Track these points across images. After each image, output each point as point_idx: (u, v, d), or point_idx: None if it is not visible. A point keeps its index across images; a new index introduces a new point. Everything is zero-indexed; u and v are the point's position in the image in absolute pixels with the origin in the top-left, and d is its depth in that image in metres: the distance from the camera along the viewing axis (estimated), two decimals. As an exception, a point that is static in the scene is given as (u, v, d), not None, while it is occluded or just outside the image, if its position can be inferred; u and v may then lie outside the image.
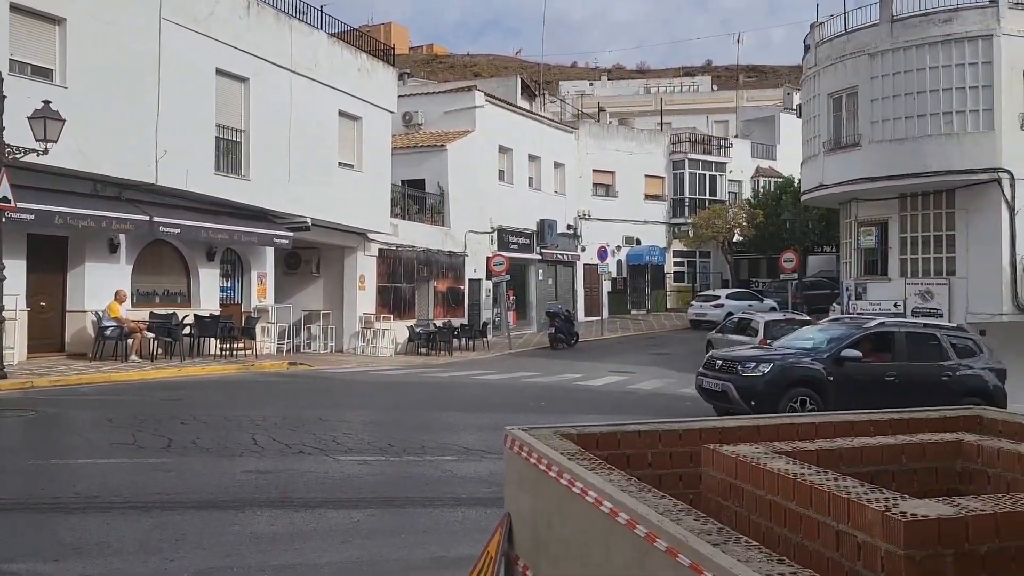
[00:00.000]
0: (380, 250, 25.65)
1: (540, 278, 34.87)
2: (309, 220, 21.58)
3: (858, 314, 22.89)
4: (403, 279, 27.01)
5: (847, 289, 25.79)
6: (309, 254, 24.96)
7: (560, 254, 35.93)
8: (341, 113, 23.39)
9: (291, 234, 21.35)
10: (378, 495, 7.40)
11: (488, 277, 29.54)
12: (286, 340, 22.69)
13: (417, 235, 27.54)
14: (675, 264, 43.74)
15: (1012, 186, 21.84)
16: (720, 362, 13.75)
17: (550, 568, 4.24)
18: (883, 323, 14.58)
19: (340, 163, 23.36)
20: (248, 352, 20.49)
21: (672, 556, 2.88)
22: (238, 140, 20.14)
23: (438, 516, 6.87)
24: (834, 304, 29.13)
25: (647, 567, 3.12)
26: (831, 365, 12.95)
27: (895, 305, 23.43)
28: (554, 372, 21.14)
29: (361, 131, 24.16)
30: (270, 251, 22.12)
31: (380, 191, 24.81)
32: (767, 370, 12.86)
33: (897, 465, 4.59)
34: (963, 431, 5.30)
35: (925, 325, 15.37)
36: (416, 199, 28.56)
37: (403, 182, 27.85)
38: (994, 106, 22.06)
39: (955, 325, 16.75)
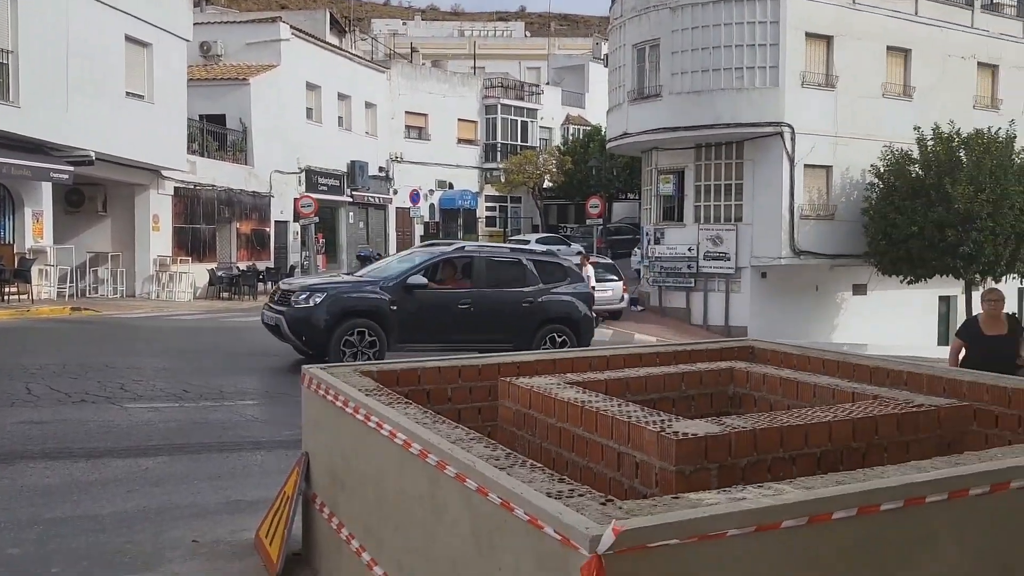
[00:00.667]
0: (176, 189, 24.09)
1: (351, 221, 34.19)
2: (92, 154, 19.83)
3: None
4: (202, 220, 25.56)
5: (647, 234, 27.19)
6: (94, 191, 22.99)
7: (372, 197, 35.35)
8: (128, 38, 21.51)
9: (71, 169, 19.54)
10: (170, 442, 7.04)
11: (296, 219, 28.60)
12: (68, 284, 20.93)
13: (218, 174, 26.09)
14: (487, 209, 44.24)
15: (793, 139, 23.74)
16: (280, 293, 12.46)
17: (346, 503, 4.22)
18: (462, 248, 13.58)
19: (128, 93, 21.56)
20: (23, 297, 18.75)
21: (461, 481, 2.93)
22: (4, 62, 18.06)
23: (236, 461, 6.65)
24: (635, 248, 30.70)
25: (438, 494, 3.16)
26: (397, 293, 11.87)
27: (689, 249, 25.00)
28: (364, 315, 20.88)
29: (152, 59, 22.36)
30: (47, 187, 20.17)
31: (174, 125, 23.19)
32: (319, 300, 11.60)
33: (677, 392, 4.92)
34: (737, 360, 5.76)
35: (512, 250, 14.37)
36: (216, 136, 26.97)
37: (201, 117, 26.20)
38: (779, 64, 23.75)
39: (544, 249, 16.28)
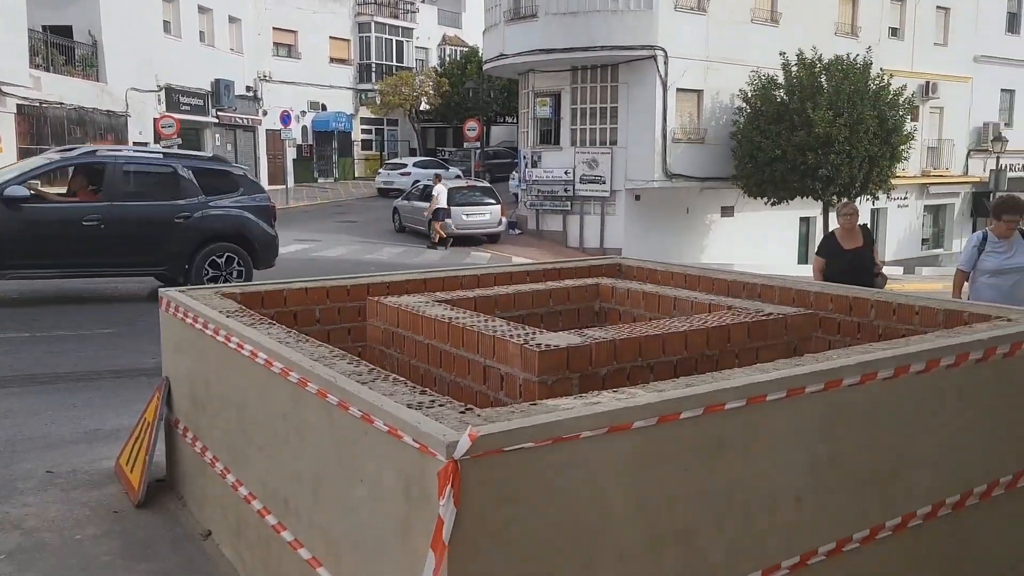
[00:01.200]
0: (19, 107, 22.27)
1: (218, 143, 32.65)
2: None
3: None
4: (52, 141, 23.78)
5: (524, 158, 27.23)
6: (-75, 109, 20.98)
7: (239, 118, 33.78)
8: (-45, -63, 19.45)
9: None
10: (19, 374, 6.67)
11: (156, 141, 27.05)
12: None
13: (66, 91, 24.23)
14: (363, 132, 43.16)
15: (666, 63, 24.08)
16: None
17: (210, 426, 4.12)
18: (94, 152, 11.41)
19: (-41, -1, 19.59)
20: None
21: (322, 397, 2.90)
22: None
23: (93, 391, 6.37)
24: (513, 172, 30.74)
25: (301, 411, 3.12)
26: None
27: (565, 173, 25.23)
28: (235, 241, 20.21)
29: (-16, -38, 20.32)
30: None
31: (13, 36, 21.27)
32: None
33: (545, 308, 5.01)
34: (605, 277, 5.90)
35: (166, 156, 12.31)
36: (62, 49, 24.95)
37: (45, 28, 24.14)
38: (652, -13, 23.90)
39: (211, 155, 13.99)
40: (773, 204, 24.50)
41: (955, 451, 3.40)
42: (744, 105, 24.42)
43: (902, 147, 23.47)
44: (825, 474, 3.01)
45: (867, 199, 24.50)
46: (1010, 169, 28.01)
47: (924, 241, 30.53)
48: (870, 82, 23.23)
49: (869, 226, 29.39)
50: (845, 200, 7.82)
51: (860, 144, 22.45)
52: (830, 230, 7.39)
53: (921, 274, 28.00)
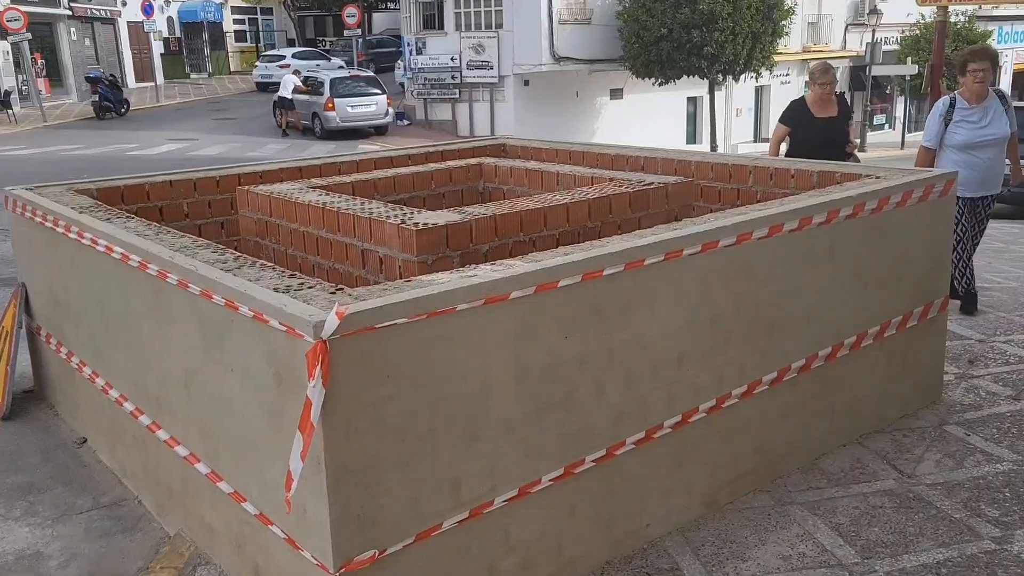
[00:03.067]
0: None
1: (74, 39, 30.17)
2: None
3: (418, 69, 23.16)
4: None
5: (408, 45, 26.27)
6: None
7: (95, 9, 31.21)
8: None
9: None
10: None
11: (3, 36, 24.76)
12: None
13: None
14: (235, 22, 40.68)
15: (548, -59, 23.32)
16: None
17: (73, 330, 3.88)
18: None
19: None
20: None
21: (183, 287, 2.73)
22: None
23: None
24: (399, 61, 29.66)
25: (163, 305, 2.94)
26: None
27: (452, 59, 24.52)
28: (103, 144, 19.00)
29: None
30: None
31: None
32: None
33: (428, 190, 4.86)
34: (488, 156, 5.77)
35: None
36: None
37: None
38: None
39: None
40: (661, 84, 24.56)
41: (828, 305, 3.51)
42: (630, -18, 24.07)
43: (783, 22, 23.72)
44: (705, 334, 3.05)
45: (751, 76, 24.82)
46: (885, 42, 28.81)
47: (805, 117, 31.28)
48: (752, -43, 23.18)
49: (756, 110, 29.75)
50: (821, 61, 6.74)
51: (744, 20, 22.56)
52: (799, 96, 6.54)
53: (802, 149, 28.87)
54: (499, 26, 24.28)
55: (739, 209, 3.37)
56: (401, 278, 3.41)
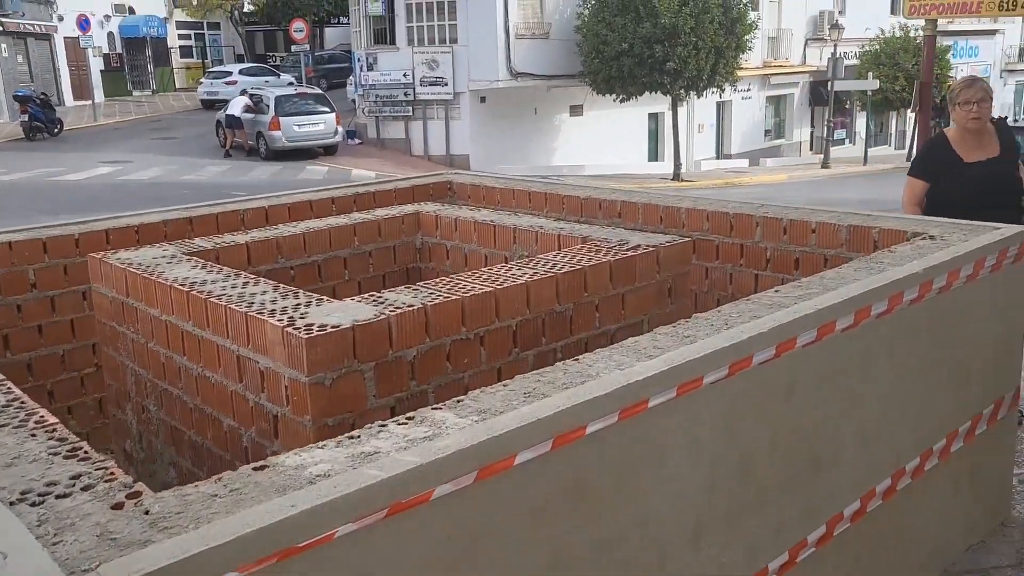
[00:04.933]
0: None
1: (5, 55, 28.58)
2: None
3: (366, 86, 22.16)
4: None
5: (358, 60, 25.19)
6: None
7: (29, 25, 29.64)
8: None
9: None
10: None
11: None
12: None
13: None
14: (180, 38, 39.19)
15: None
16: None
17: None
18: None
19: None
20: None
21: None
22: None
23: None
24: (351, 77, 28.54)
25: None
26: None
27: (404, 75, 23.48)
28: (28, 167, 17.63)
29: None
30: None
31: None
32: None
33: (350, 249, 3.82)
34: (433, 199, 4.77)
35: None
36: None
37: None
38: None
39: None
40: (622, 101, 23.75)
41: (886, 423, 2.55)
42: (588, -4, 23.26)
43: (746, 37, 23.07)
44: (729, 491, 2.07)
45: (714, 91, 24.14)
46: (845, 57, 28.39)
47: (767, 132, 30.83)
48: (713, -30, 22.52)
49: (718, 126, 28.91)
50: (969, 74, 5.00)
51: (706, 34, 21.85)
52: (937, 132, 4.61)
53: (766, 165, 28.35)
54: (453, 41, 23.33)
55: (765, 298, 2.38)
56: (289, 404, 2.39)
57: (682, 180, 23.62)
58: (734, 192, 21.25)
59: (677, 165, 24.14)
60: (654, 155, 27.72)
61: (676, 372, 1.87)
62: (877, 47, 29.13)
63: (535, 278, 2.73)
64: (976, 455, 2.98)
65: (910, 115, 29.21)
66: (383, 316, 2.36)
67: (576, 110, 25.68)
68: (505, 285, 2.65)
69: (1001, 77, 34.40)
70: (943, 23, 28.09)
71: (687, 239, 3.29)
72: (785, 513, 2.23)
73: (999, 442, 3.13)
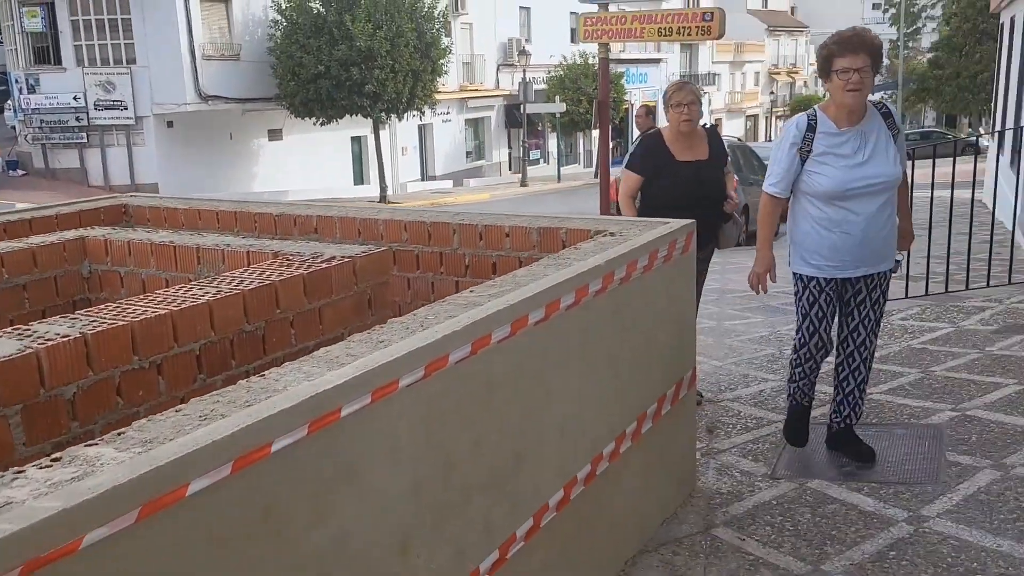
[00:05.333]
0: None
1: None
2: None
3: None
4: None
5: (16, 82, 22.47)
6: None
7: None
8: None
9: None
10: None
11: None
12: None
13: None
14: None
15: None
16: None
17: None
18: None
19: None
20: None
21: None
22: None
23: None
24: (8, 102, 25.39)
25: None
26: None
27: (75, 98, 21.33)
28: None
29: None
30: None
31: None
32: None
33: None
34: (109, 224, 4.29)
35: None
36: None
37: None
38: None
39: None
40: (322, 124, 23.42)
41: (582, 412, 2.65)
42: (279, 17, 22.67)
43: (441, 61, 23.79)
44: (434, 496, 2.01)
45: (415, 114, 24.60)
46: (535, 82, 30.32)
47: (468, 154, 32.02)
48: (404, -5, 23.01)
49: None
50: (680, 79, 4.84)
51: (402, 58, 22.23)
52: (649, 130, 4.64)
53: (469, 186, 29.44)
54: (132, 61, 21.60)
55: (460, 299, 2.37)
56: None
57: (389, 203, 23.79)
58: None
59: (383, 188, 24.28)
60: (359, 179, 27.67)
61: (369, 377, 1.77)
62: (561, 73, 31.47)
63: (219, 297, 2.50)
64: (663, 434, 3.20)
65: (595, 135, 31.98)
66: (29, 350, 2.03)
67: (275, 134, 24.92)
68: (183, 306, 2.40)
69: (664, 101, 38.52)
70: (616, 51, 31.07)
71: (384, 248, 3.22)
72: (492, 511, 2.22)
73: (682, 420, 3.40)
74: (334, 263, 2.90)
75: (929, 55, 35.99)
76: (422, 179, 29.34)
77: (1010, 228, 9.49)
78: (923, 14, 40.53)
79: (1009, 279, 6.53)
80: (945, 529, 2.97)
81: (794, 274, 3.48)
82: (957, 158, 6.81)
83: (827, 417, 3.77)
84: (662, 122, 4.78)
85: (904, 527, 3.02)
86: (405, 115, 24.09)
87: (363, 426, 1.76)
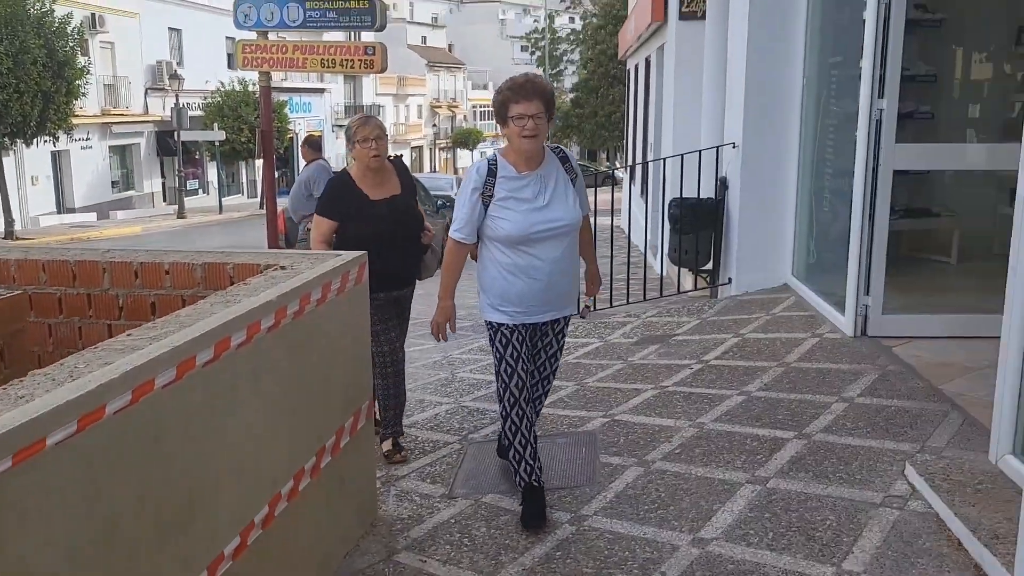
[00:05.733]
0: None
1: None
2: None
3: None
4: None
5: None
6: None
7: None
8: None
9: None
10: None
11: None
12: None
13: None
14: None
15: None
16: None
17: None
18: None
19: None
20: None
21: None
22: None
23: None
24: None
25: None
26: None
27: None
28: None
29: None
30: None
31: None
32: None
33: None
34: None
35: None
36: None
37: None
38: None
39: None
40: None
41: (258, 452, 2.56)
42: None
43: (78, 82, 21.56)
44: (94, 561, 1.82)
45: (47, 140, 22.02)
46: (189, 108, 28.64)
47: (115, 183, 29.26)
48: (29, 7, 20.55)
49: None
50: (363, 113, 4.69)
51: (29, 77, 19.79)
52: (313, 161, 4.46)
53: (117, 218, 26.99)
54: None
55: (116, 343, 2.19)
56: None
57: (17, 239, 21.00)
58: (85, 248, 19.71)
59: (9, 222, 21.40)
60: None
61: (10, 438, 1.56)
62: (219, 99, 30.12)
63: None
64: (343, 466, 3.19)
65: (259, 165, 31.04)
66: None
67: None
68: None
69: (333, 131, 38.62)
70: (278, 79, 30.45)
71: (19, 292, 2.86)
72: (162, 569, 2.06)
73: (361, 449, 3.41)
74: (-45, 310, 2.51)
75: (571, 95, 39.93)
76: (58, 212, 26.35)
77: (643, 251, 10.83)
78: (564, 57, 44.93)
79: (644, 296, 7.44)
80: (602, 525, 3.29)
81: (486, 321, 3.44)
82: (598, 189, 7.65)
83: (496, 434, 3.99)
84: (328, 152, 4.78)
85: (568, 528, 3.30)
86: (35, 140, 21.50)
87: (6, 495, 1.55)
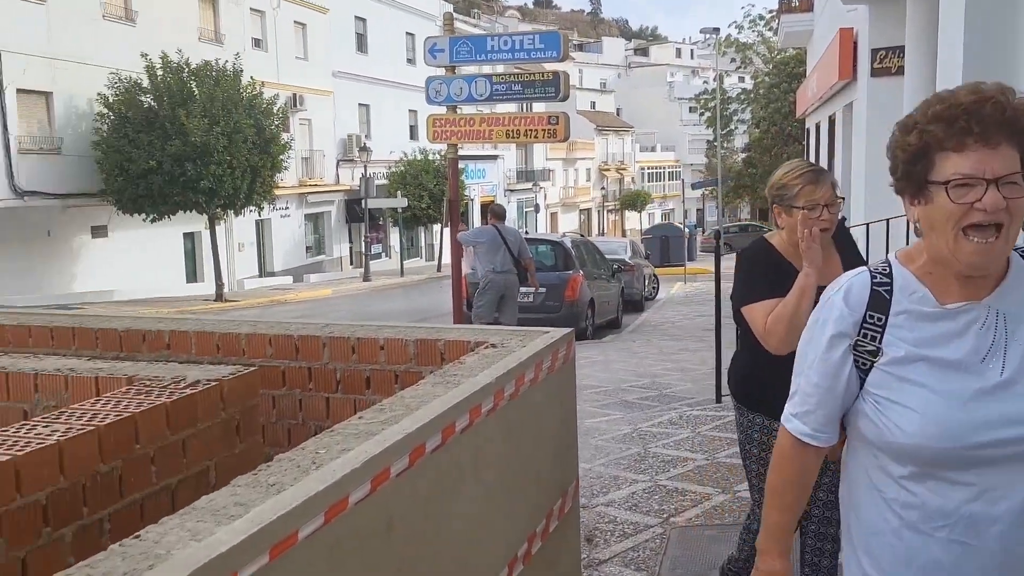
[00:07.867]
0: None
1: None
2: None
3: None
4: None
5: None
6: None
7: None
8: None
9: None
10: None
11: None
12: None
13: None
14: None
15: (-1, 63, 20.03)
16: None
17: None
18: None
19: None
20: None
21: None
22: None
23: None
24: None
25: None
26: None
27: None
28: None
29: None
30: None
31: None
32: None
33: None
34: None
35: None
36: None
37: None
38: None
39: None
40: (153, 220, 22.37)
41: (478, 539, 2.51)
42: (106, 111, 21.71)
43: (281, 157, 23.45)
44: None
45: (252, 210, 23.99)
46: (375, 177, 30.46)
47: (308, 249, 31.45)
48: (242, 90, 22.66)
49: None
50: (803, 167, 2.83)
51: (240, 154, 21.73)
52: (759, 236, 3.10)
53: (310, 281, 28.81)
54: (-61, 155, 19.97)
55: (349, 427, 2.21)
56: None
57: (226, 300, 22.83)
58: (282, 310, 21.13)
59: (219, 285, 23.31)
60: (192, 276, 26.49)
61: (266, 533, 1.58)
62: (402, 168, 31.82)
63: (69, 435, 2.22)
64: (551, 551, 3.10)
65: (436, 229, 32.35)
66: None
67: (99, 231, 23.55)
68: (28, 449, 2.11)
69: (505, 195, 39.79)
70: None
71: (252, 368, 3.01)
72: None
73: (568, 534, 3.31)
74: (200, 388, 2.66)
75: (743, 155, 39.10)
76: (260, 275, 28.47)
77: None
78: (735, 117, 44.27)
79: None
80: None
81: None
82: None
83: (701, 518, 3.78)
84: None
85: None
86: (244, 211, 23.46)
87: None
